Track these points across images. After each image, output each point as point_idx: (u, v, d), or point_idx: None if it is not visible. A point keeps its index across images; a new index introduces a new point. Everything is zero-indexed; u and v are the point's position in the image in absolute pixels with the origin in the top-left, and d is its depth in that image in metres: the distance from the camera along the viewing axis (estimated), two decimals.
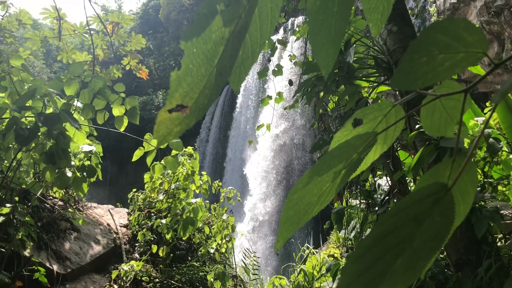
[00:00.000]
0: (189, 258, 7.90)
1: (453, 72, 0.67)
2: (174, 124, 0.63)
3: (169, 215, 6.87)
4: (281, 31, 24.34)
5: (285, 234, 0.74)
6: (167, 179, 7.06)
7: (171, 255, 7.33)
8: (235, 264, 8.04)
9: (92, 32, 6.43)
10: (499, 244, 3.24)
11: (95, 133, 4.91)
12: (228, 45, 0.61)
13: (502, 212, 3.04)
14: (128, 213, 8.98)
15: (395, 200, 3.86)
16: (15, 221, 4.66)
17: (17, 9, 6.85)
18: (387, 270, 0.55)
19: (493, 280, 2.90)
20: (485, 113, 4.23)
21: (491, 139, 3.18)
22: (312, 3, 0.72)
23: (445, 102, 0.82)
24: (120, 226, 8.31)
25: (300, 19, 23.70)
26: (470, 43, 0.65)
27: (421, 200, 0.58)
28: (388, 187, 4.10)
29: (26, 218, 4.57)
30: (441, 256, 3.53)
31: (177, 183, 6.87)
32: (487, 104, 4.48)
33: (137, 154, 4.56)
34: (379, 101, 4.29)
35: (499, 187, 3.59)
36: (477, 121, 3.62)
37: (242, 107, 26.64)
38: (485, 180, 3.42)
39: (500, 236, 3.29)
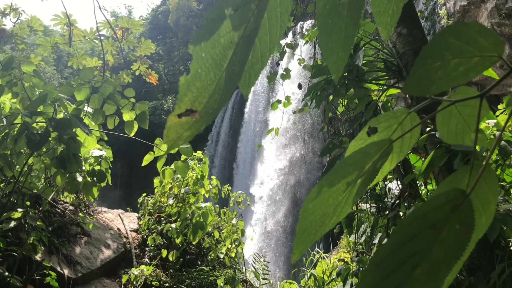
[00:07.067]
0: (199, 262, 7.89)
1: (468, 77, 0.65)
2: (184, 129, 0.62)
3: (179, 219, 6.87)
4: (290, 35, 24.37)
5: (302, 246, 0.72)
6: (177, 183, 7.07)
7: (181, 259, 7.33)
8: (245, 269, 8.02)
9: (102, 38, 6.47)
10: None
11: (106, 138, 4.94)
12: (237, 49, 0.60)
13: None
14: (138, 218, 9.01)
15: (405, 204, 3.82)
16: (26, 225, 4.69)
17: (28, 16, 6.94)
18: (406, 280, 0.53)
19: (506, 285, 2.85)
20: (497, 116, 4.17)
21: (503, 142, 3.13)
22: (322, 7, 0.71)
23: (461, 109, 0.80)
24: (130, 231, 8.33)
25: (308, 22, 23.71)
26: (485, 47, 0.63)
27: (438, 207, 0.57)
28: (398, 191, 4.06)
29: (38, 223, 4.60)
30: None
31: (187, 187, 6.88)
32: (499, 106, 4.42)
33: (147, 159, 4.57)
34: (389, 104, 4.26)
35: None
36: (488, 123, 3.57)
37: (251, 111, 26.65)
38: None
39: None
